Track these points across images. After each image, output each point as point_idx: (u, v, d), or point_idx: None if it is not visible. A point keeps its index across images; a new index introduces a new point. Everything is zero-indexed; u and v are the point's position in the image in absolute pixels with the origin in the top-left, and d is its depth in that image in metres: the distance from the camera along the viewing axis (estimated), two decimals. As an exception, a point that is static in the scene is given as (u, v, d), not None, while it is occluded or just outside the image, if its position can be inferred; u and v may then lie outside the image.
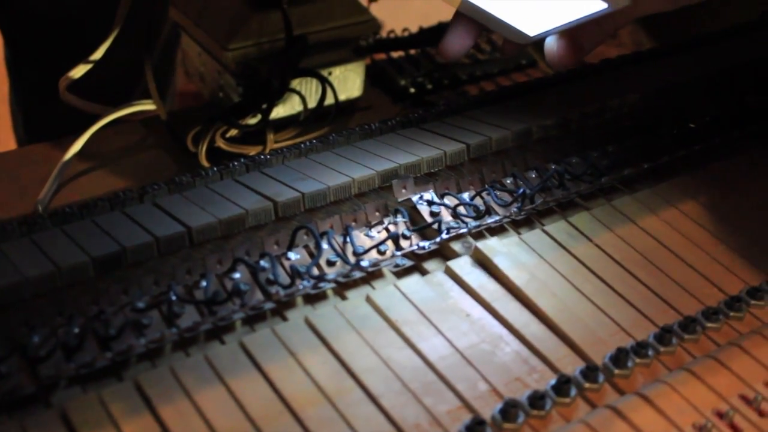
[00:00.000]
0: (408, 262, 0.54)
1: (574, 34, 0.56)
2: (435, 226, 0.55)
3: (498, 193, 0.57)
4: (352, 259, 0.52)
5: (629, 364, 0.46)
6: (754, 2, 0.82)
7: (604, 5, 0.50)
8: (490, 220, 0.56)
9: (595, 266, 0.54)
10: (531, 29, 0.56)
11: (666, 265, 0.54)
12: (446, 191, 0.57)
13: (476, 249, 0.53)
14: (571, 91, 0.69)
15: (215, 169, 0.57)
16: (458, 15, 0.58)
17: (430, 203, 0.56)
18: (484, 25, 0.58)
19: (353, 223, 0.54)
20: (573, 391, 0.45)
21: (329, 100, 0.72)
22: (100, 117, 0.69)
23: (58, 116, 0.74)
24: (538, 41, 0.58)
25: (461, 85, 0.80)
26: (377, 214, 0.55)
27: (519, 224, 0.58)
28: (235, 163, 0.58)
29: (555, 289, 0.51)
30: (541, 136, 0.63)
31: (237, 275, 0.50)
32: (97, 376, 0.45)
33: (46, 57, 0.96)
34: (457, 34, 0.59)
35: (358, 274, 0.52)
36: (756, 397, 0.45)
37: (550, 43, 0.57)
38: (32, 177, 0.66)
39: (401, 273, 0.54)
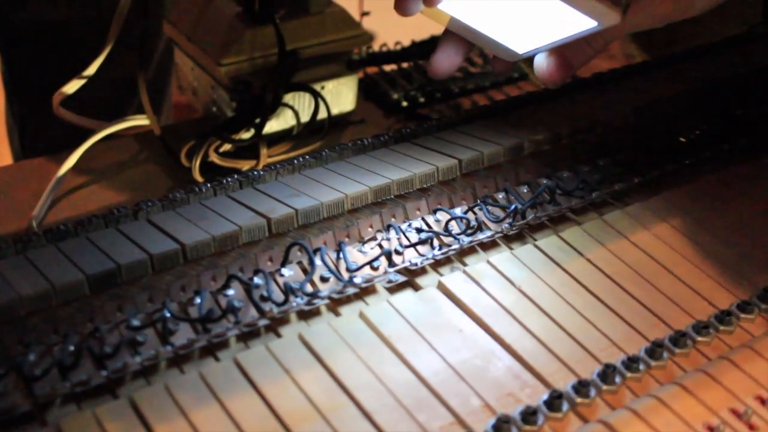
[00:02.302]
0: (401, 278, 0.54)
1: (564, 51, 0.57)
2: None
3: (490, 208, 0.58)
4: (345, 275, 0.52)
5: (617, 380, 0.47)
6: (743, 16, 0.83)
7: (594, 23, 0.50)
8: (482, 236, 0.56)
9: (587, 281, 0.54)
10: (520, 47, 0.56)
11: (656, 279, 0.55)
12: (438, 207, 0.58)
13: (465, 273, 0.54)
14: (562, 106, 0.69)
15: (209, 185, 0.58)
16: (447, 33, 0.59)
17: (419, 230, 0.56)
18: (473, 43, 0.58)
19: (346, 239, 0.55)
20: (565, 407, 0.45)
21: (322, 114, 0.72)
22: (95, 132, 0.69)
23: (55, 131, 0.74)
24: (528, 57, 0.58)
25: (453, 98, 0.81)
26: (370, 229, 0.56)
27: (511, 239, 0.58)
28: (229, 180, 0.58)
29: (545, 305, 0.52)
30: (532, 151, 0.64)
31: (231, 292, 0.50)
32: (92, 393, 0.45)
33: (43, 72, 0.96)
34: (446, 51, 0.59)
35: (351, 291, 0.52)
36: (746, 411, 0.45)
37: (540, 60, 0.58)
38: (26, 192, 0.66)
39: (394, 289, 0.54)
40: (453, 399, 0.46)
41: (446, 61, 0.59)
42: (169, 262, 0.51)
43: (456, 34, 0.58)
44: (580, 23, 0.51)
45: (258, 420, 0.44)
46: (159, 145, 0.70)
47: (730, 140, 0.68)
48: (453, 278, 0.53)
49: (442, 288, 0.53)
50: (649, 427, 0.44)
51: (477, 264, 0.54)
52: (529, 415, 0.44)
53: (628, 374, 0.48)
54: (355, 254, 0.54)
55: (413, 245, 0.55)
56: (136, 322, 0.47)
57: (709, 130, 0.68)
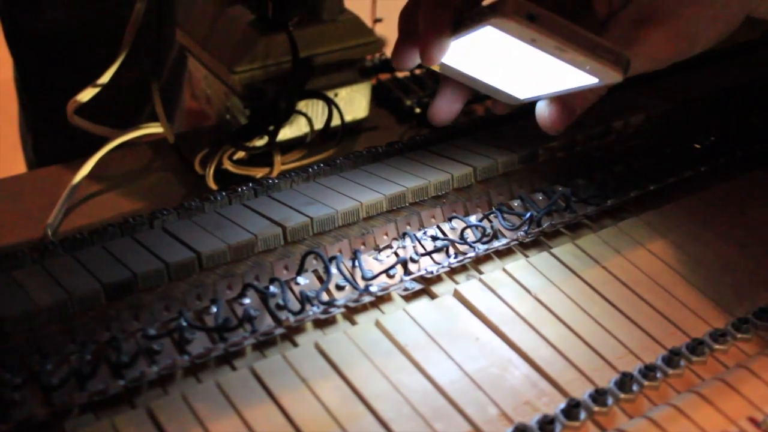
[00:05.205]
0: (417, 286, 0.54)
1: (566, 97, 0.55)
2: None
3: (505, 216, 0.57)
4: (361, 283, 0.52)
5: (634, 388, 0.47)
6: (757, 22, 0.82)
7: (595, 80, 0.50)
8: (497, 244, 0.56)
9: (603, 288, 0.54)
10: (521, 93, 0.56)
11: (673, 287, 0.54)
12: (454, 214, 0.58)
13: (481, 281, 0.54)
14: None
15: (224, 193, 0.58)
16: (446, 79, 0.57)
17: (435, 238, 0.56)
18: (472, 87, 0.58)
19: (362, 247, 0.55)
20: (582, 415, 0.45)
21: (336, 121, 0.72)
22: (109, 140, 0.70)
23: (68, 139, 0.74)
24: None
25: (467, 105, 0.80)
26: (385, 237, 0.56)
27: (527, 246, 0.58)
28: (244, 188, 0.58)
29: (561, 313, 0.51)
30: (547, 158, 0.64)
31: (247, 301, 0.50)
32: (109, 403, 0.45)
33: (56, 80, 0.96)
34: (446, 98, 0.58)
35: (367, 299, 0.52)
36: (765, 420, 0.45)
37: (542, 108, 0.56)
38: (41, 200, 0.66)
39: (410, 297, 0.54)
40: (470, 408, 0.45)
41: (446, 108, 0.58)
42: (185, 271, 0.51)
43: (455, 81, 0.57)
44: (582, 79, 0.50)
45: (275, 429, 0.44)
46: (173, 153, 0.70)
47: (745, 147, 0.67)
48: (469, 286, 0.53)
49: (458, 296, 0.53)
50: (668, 437, 0.44)
51: (493, 272, 0.54)
52: (546, 424, 0.44)
53: (646, 383, 0.47)
54: (370, 262, 0.54)
55: (429, 253, 0.55)
56: (152, 331, 0.47)
57: (723, 137, 0.68)
